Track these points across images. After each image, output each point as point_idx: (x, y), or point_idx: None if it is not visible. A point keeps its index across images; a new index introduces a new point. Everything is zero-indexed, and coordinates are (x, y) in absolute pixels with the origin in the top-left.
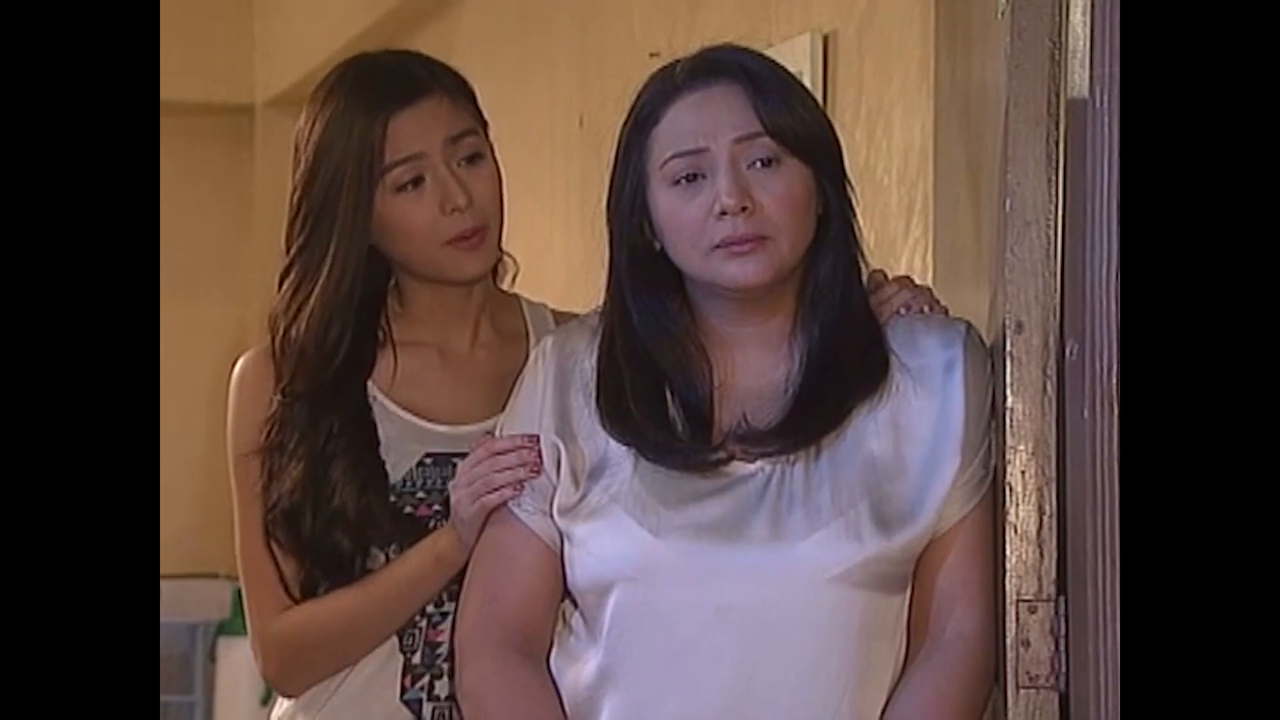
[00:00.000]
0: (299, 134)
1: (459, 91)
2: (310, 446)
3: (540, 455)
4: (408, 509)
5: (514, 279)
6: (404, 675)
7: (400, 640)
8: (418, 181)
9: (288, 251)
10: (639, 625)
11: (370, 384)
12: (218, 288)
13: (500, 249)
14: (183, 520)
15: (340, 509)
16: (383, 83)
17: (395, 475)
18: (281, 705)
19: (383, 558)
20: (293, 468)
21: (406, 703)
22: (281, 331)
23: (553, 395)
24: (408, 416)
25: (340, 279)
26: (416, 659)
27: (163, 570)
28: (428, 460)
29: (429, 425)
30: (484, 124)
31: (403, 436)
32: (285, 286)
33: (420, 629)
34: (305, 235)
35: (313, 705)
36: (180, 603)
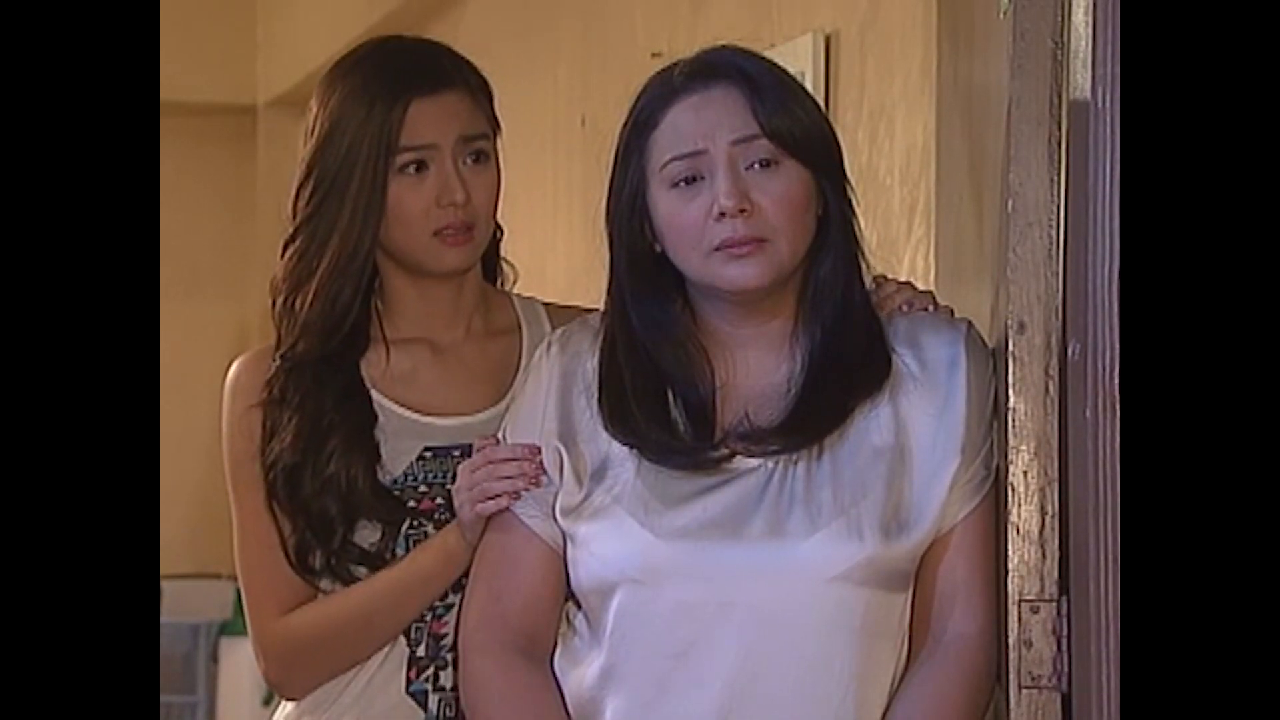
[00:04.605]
0: (317, 100)
1: (481, 92)
2: (313, 406)
3: (540, 466)
4: (410, 502)
5: (513, 285)
6: (409, 668)
7: (405, 634)
8: (421, 168)
9: (294, 217)
10: (641, 625)
11: (364, 378)
12: (218, 288)
13: (499, 255)
14: (183, 520)
15: (333, 478)
16: (409, 67)
17: (396, 469)
18: (285, 706)
19: (368, 532)
20: (294, 423)
21: (412, 694)
22: (284, 298)
23: (556, 397)
24: (404, 412)
25: (353, 252)
26: (421, 651)
27: (164, 571)
28: (427, 454)
29: (426, 419)
30: (496, 128)
31: (400, 432)
32: (289, 254)
33: (425, 621)
34: (314, 205)
35: (320, 705)
36: (182, 603)
